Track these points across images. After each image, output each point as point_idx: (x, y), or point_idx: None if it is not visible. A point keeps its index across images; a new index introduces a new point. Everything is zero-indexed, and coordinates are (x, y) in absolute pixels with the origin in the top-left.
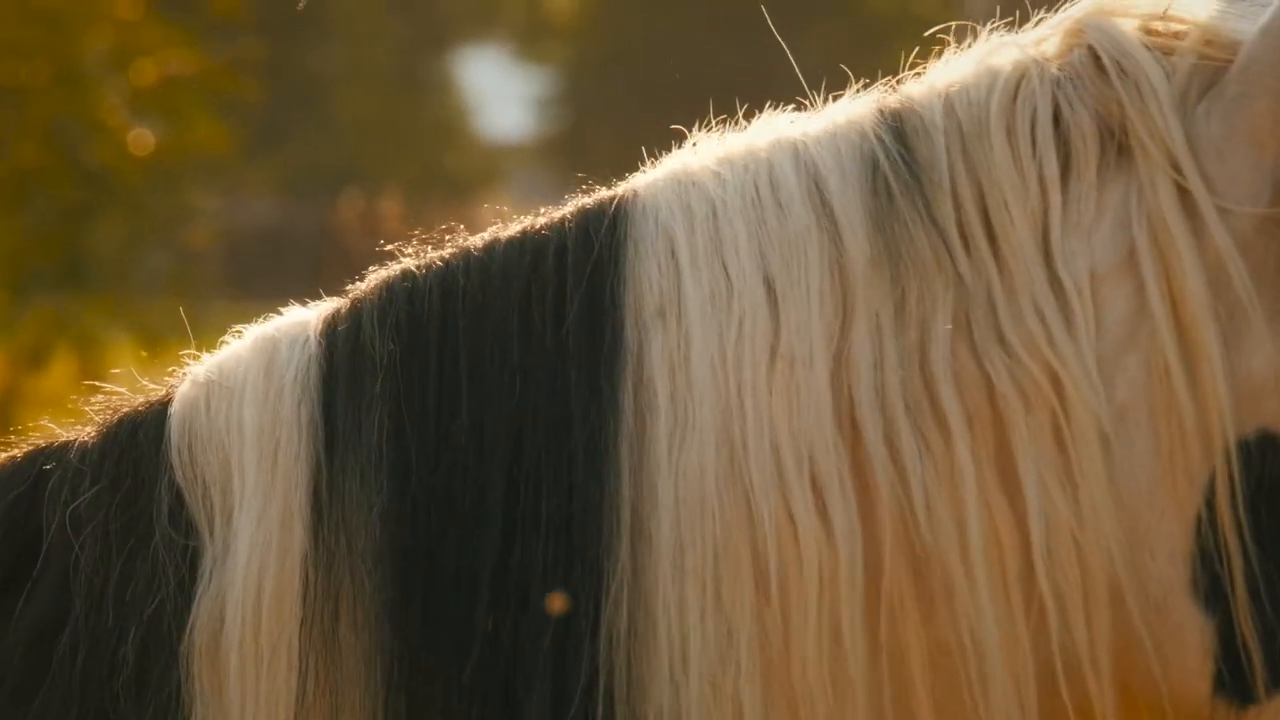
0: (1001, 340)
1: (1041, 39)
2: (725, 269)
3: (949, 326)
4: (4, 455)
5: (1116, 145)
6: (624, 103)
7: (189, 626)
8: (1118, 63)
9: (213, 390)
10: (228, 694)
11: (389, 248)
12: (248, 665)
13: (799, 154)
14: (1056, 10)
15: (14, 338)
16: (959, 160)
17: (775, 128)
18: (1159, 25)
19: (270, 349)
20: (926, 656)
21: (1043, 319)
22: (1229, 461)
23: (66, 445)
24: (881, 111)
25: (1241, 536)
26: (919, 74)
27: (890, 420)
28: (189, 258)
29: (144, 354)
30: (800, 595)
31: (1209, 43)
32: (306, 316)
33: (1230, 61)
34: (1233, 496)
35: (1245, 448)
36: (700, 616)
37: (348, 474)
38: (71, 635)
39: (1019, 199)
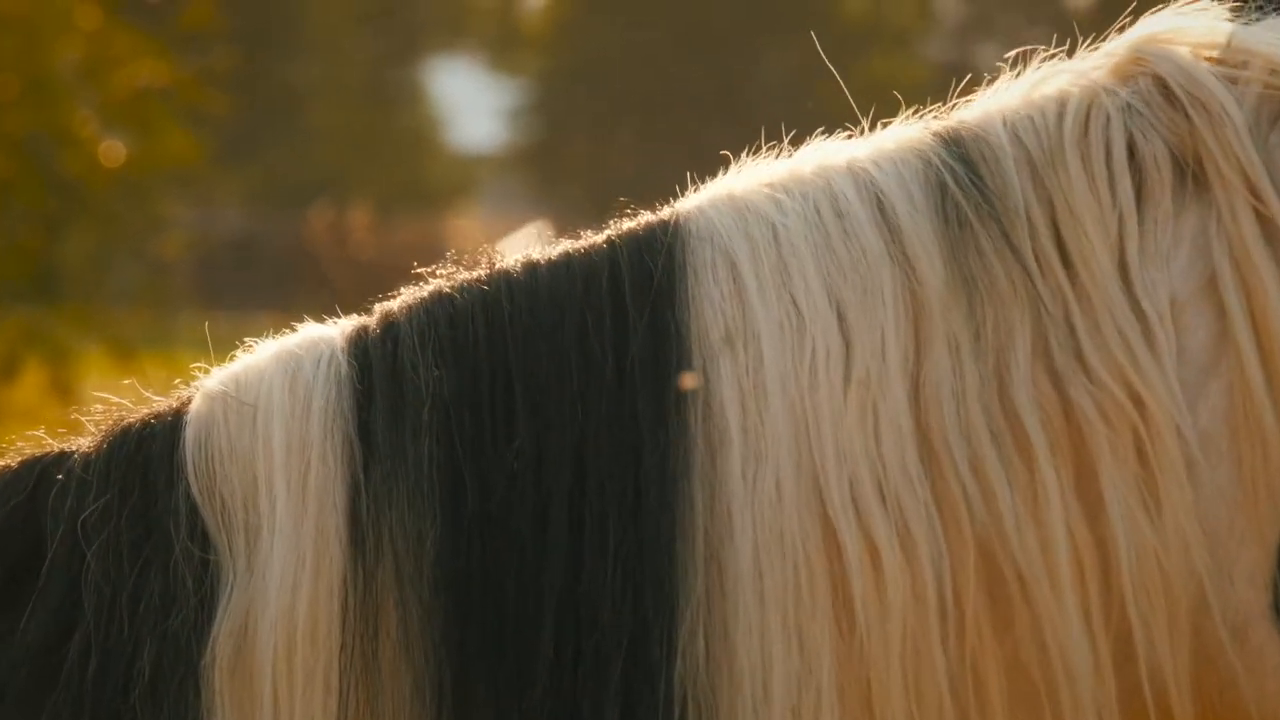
0: (1084, 365)
1: (1096, 66)
2: (792, 295)
3: (1029, 352)
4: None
5: (1191, 173)
6: (596, 114)
7: (210, 642)
8: (1189, 91)
9: (230, 405)
10: (258, 716)
11: (423, 270)
12: (280, 688)
13: (858, 178)
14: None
15: None
16: (1029, 186)
17: (820, 152)
18: (1219, 55)
19: (293, 365)
20: (1006, 682)
21: (1126, 343)
22: None
23: (64, 455)
24: (940, 137)
25: None
26: (969, 101)
27: (975, 447)
28: (160, 269)
29: (115, 365)
30: (882, 623)
31: (1274, 72)
32: (327, 333)
33: None
34: None
35: None
36: (783, 645)
37: (394, 499)
38: (81, 646)
39: (1097, 226)
